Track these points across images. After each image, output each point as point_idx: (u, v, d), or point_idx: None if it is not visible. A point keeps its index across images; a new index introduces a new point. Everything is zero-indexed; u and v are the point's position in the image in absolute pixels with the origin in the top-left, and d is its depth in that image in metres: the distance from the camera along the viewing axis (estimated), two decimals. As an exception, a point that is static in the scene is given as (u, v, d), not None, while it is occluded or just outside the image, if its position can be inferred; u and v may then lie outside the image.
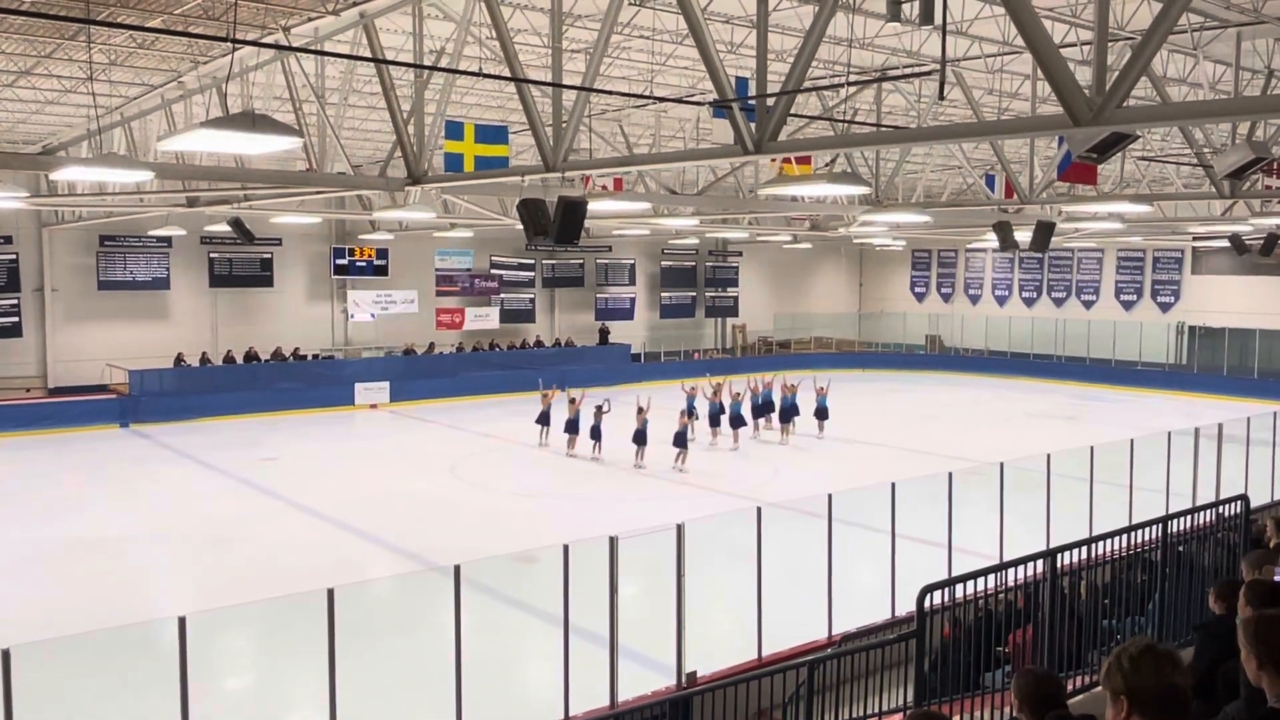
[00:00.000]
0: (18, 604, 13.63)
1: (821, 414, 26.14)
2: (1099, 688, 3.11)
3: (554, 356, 37.52)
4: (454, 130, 12.80)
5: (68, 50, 15.11)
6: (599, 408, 23.58)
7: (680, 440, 22.43)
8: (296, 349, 33.55)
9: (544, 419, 24.74)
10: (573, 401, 23.82)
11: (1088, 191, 19.00)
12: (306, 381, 31.74)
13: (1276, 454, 16.45)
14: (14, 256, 29.25)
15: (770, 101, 8.13)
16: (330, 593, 7.91)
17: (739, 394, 25.07)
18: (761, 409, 25.95)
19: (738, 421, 24.76)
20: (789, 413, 25.31)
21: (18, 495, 20.00)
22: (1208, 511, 9.30)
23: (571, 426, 23.56)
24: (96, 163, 12.96)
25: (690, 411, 24.21)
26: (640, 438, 22.40)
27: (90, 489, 20.68)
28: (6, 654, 6.50)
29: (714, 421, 24.87)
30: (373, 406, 31.89)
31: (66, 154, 20.97)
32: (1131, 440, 15.04)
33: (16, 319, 29.39)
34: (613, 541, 9.08)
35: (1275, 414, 17.52)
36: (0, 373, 29.10)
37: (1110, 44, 8.92)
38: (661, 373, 38.92)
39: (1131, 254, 39.60)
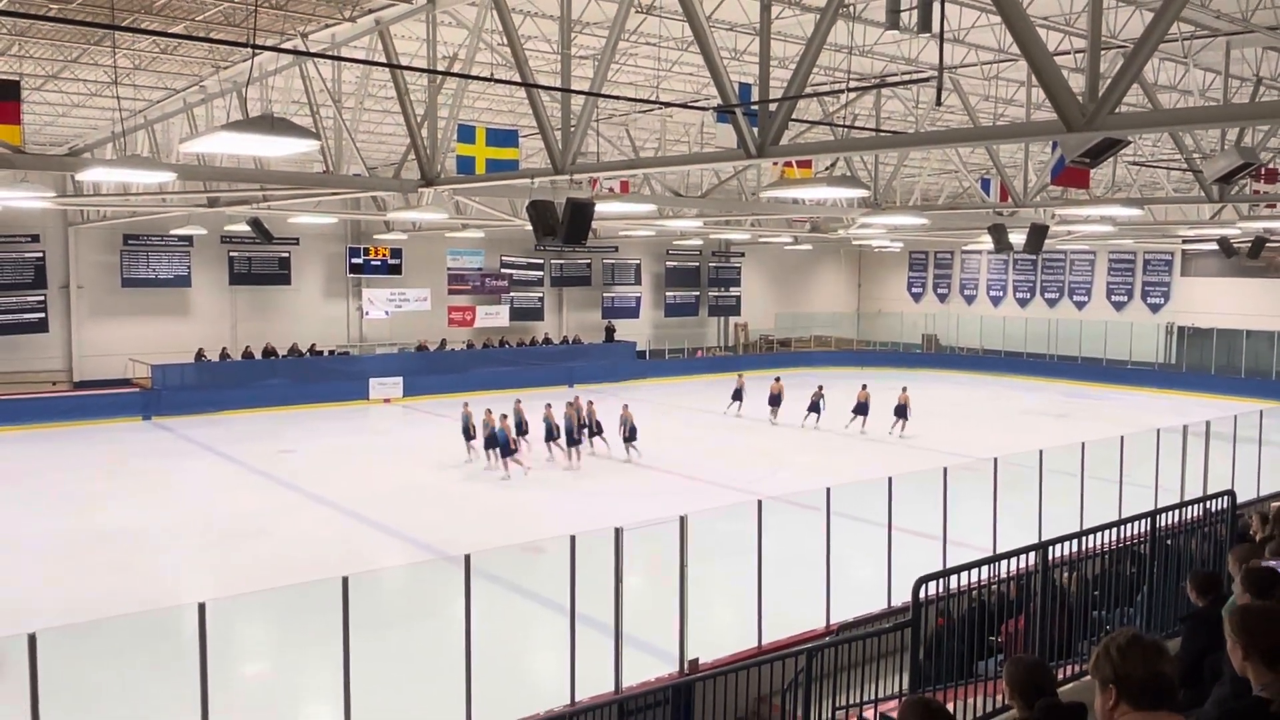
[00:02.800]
0: (42, 591, 13.69)
1: (862, 410, 26.81)
2: (1088, 676, 3.11)
3: (562, 354, 37.60)
4: (466, 134, 12.80)
5: (93, 55, 15.15)
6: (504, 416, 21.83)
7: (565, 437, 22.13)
8: (313, 345, 33.63)
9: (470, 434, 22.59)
10: (504, 417, 21.84)
11: (1080, 195, 18.96)
12: (322, 377, 31.81)
13: (1262, 450, 16.42)
14: (41, 254, 29.34)
15: (772, 107, 8.12)
16: (345, 581, 7.93)
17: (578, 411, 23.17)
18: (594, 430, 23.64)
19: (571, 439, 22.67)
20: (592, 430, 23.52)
21: (43, 486, 20.07)
22: (1195, 506, 9.29)
23: (490, 442, 21.58)
24: (121, 164, 12.97)
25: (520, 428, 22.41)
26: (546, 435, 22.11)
27: (113, 481, 20.73)
28: (33, 639, 6.53)
29: (550, 436, 22.61)
30: (386, 401, 31.95)
31: (92, 155, 21.02)
32: (1122, 437, 15.02)
33: (43, 315, 29.49)
34: (618, 533, 9.09)
35: (1261, 412, 17.49)
36: (27, 367, 29.20)
37: (1103, 52, 8.89)
38: (666, 370, 39.01)
39: (1123, 256, 39.51)
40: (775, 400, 28.31)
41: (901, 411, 26.24)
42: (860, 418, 26.66)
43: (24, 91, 12.91)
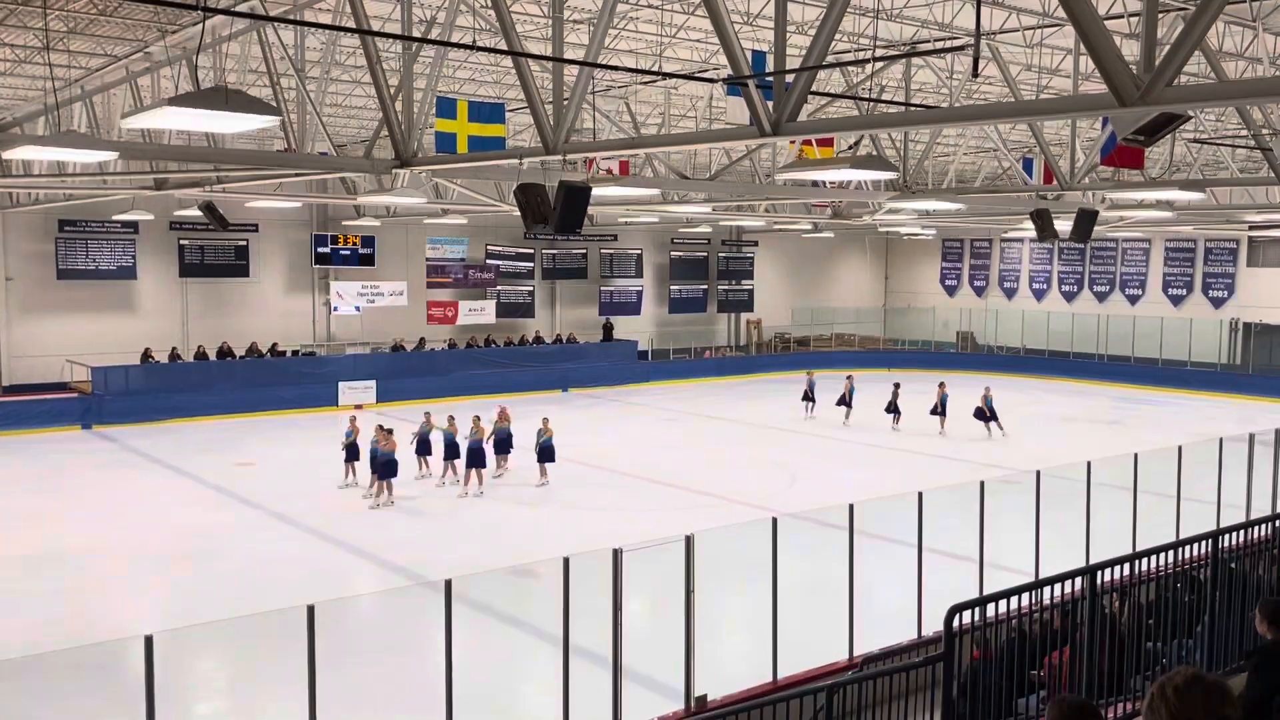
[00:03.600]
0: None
1: (894, 409, 28.56)
2: (1140, 717, 3.12)
3: (555, 354, 37.65)
4: (446, 108, 12.82)
5: (21, 16, 15.11)
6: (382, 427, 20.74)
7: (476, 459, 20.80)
8: (274, 344, 33.68)
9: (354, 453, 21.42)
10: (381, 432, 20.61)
11: (1134, 177, 18.98)
12: (285, 380, 31.82)
13: (1339, 463, 16.42)
14: (-33, 243, 29.39)
15: (790, 78, 8.13)
16: (310, 609, 7.94)
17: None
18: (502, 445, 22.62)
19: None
20: (504, 444, 22.44)
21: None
22: (1263, 526, 9.29)
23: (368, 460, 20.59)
24: (54, 141, 13.01)
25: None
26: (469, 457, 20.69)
27: (49, 498, 20.71)
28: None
29: (452, 454, 21.64)
30: (358, 407, 31.84)
31: (21, 131, 21.03)
32: (1180, 447, 15.01)
33: (-30, 311, 29.53)
34: (617, 554, 9.10)
35: (1338, 419, 17.50)
36: (-47, 369, 29.24)
37: (1160, 15, 8.88)
38: (670, 372, 39.05)
39: (1181, 245, 39.54)
40: (846, 400, 29.68)
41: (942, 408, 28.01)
42: (939, 418, 28.07)
43: (-50, 60, 12.93)
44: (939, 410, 28.06)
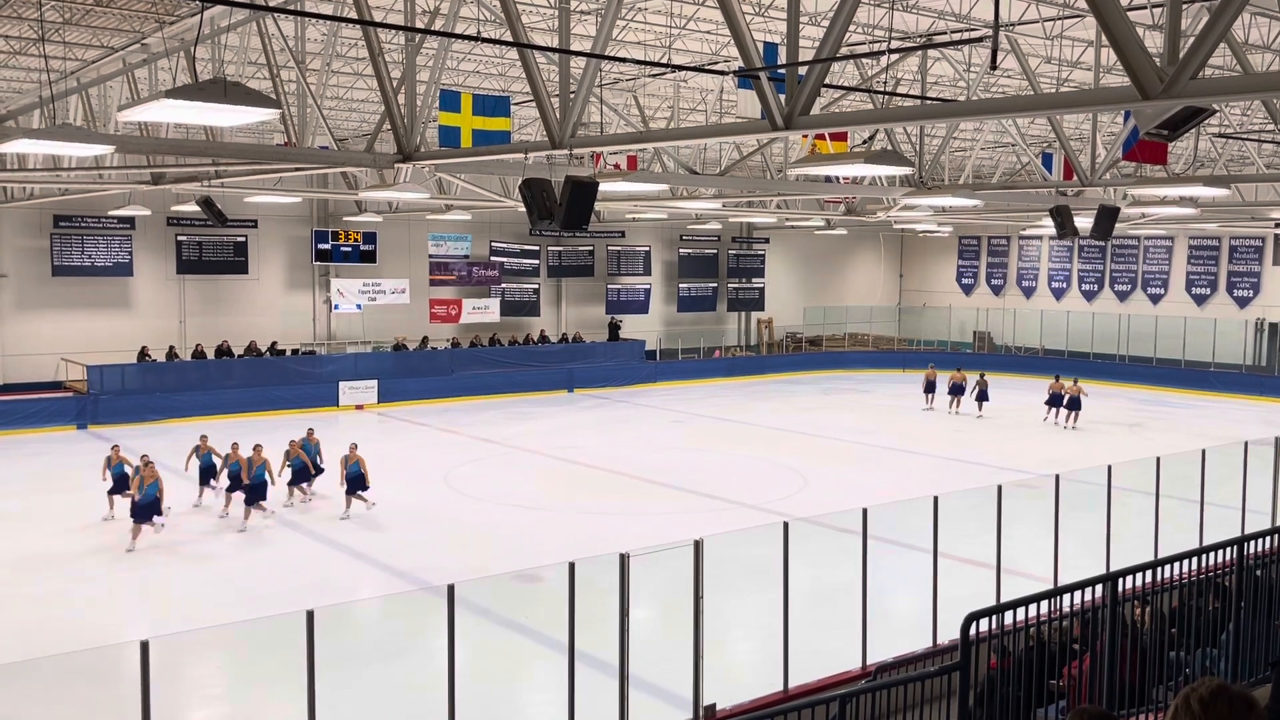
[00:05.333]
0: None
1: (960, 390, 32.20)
2: (1165, 728, 3.10)
3: (560, 354, 37.68)
4: (450, 101, 12.84)
5: (16, 7, 15.17)
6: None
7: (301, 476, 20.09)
8: (274, 343, 33.72)
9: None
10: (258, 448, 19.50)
11: (1156, 173, 18.92)
12: (285, 380, 31.88)
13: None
14: (-40, 239, 29.49)
15: (802, 70, 8.12)
16: (310, 615, 7.95)
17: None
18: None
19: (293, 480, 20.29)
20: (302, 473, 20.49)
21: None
22: (1289, 532, 9.26)
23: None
24: (49, 134, 13.02)
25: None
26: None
27: (43, 499, 20.79)
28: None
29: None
30: (359, 408, 32.02)
31: (16, 124, 21.08)
32: (1203, 451, 14.98)
33: (-37, 308, 29.64)
34: (623, 559, 9.10)
35: (1366, 423, 17.44)
36: (-54, 367, 29.34)
37: (1185, 6, 8.83)
38: (679, 372, 39.06)
39: (1205, 243, 39.42)
40: (957, 390, 32.28)
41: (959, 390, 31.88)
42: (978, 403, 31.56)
43: (-57, 52, 12.98)
44: (982, 396, 31.47)
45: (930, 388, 33.06)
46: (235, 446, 19.35)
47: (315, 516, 19.28)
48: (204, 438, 20.46)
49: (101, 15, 15.52)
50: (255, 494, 18.89)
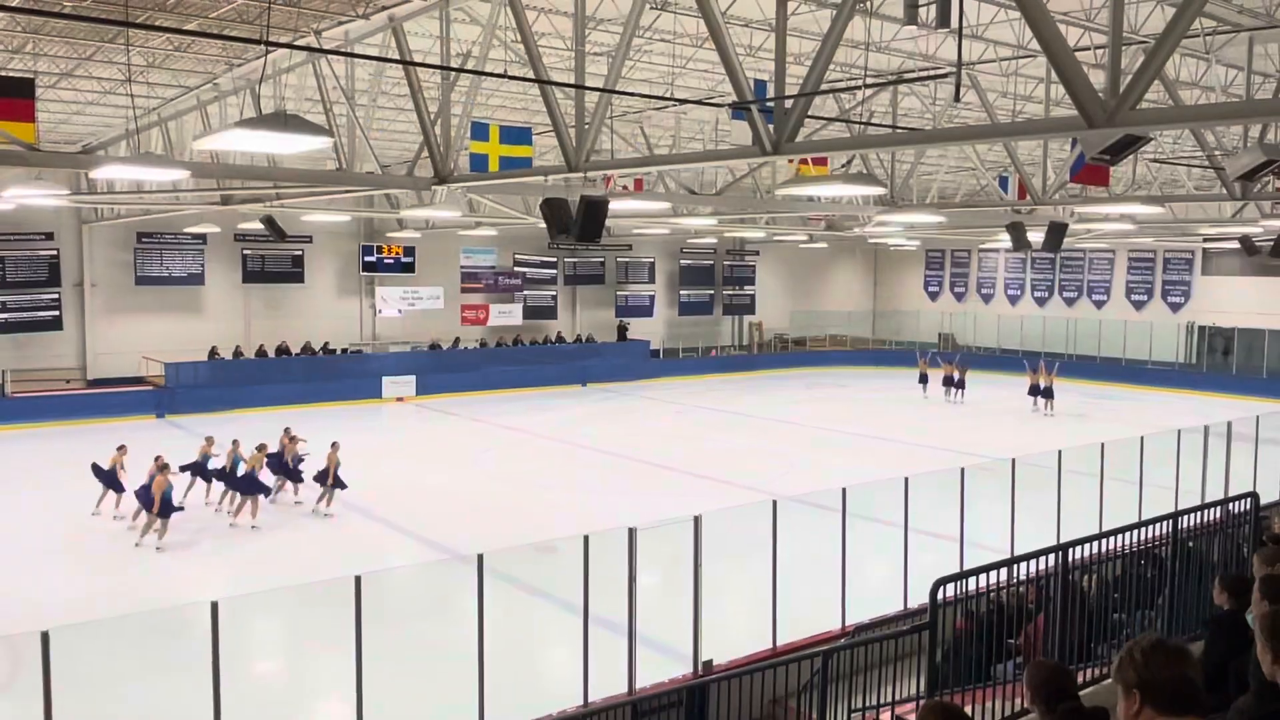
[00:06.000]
0: (56, 588, 13.78)
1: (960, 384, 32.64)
2: (1109, 680, 3.07)
3: (575, 352, 37.65)
4: (479, 131, 12.83)
5: (107, 53, 15.21)
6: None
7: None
8: (326, 343, 33.74)
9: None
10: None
11: (1100, 193, 18.83)
12: (335, 375, 31.92)
13: (1286, 452, 16.28)
14: (55, 252, 29.54)
15: (788, 104, 8.09)
16: (358, 580, 7.95)
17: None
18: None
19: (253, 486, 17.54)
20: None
21: (58, 483, 20.18)
22: (1217, 508, 9.21)
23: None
24: (134, 162, 13.05)
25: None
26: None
27: (126, 478, 20.80)
28: (45, 636, 6.56)
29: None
30: (399, 399, 32.02)
31: (106, 153, 21.14)
32: (1142, 438, 14.91)
33: (57, 313, 29.69)
34: (631, 533, 9.08)
35: (1285, 413, 17.34)
36: (41, 365, 29.37)
37: (1124, 48, 8.80)
38: (680, 369, 38.98)
39: (1142, 255, 39.24)
40: (951, 382, 32.86)
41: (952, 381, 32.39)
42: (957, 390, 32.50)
43: (38, 89, 13.00)
44: (959, 384, 32.41)
45: (924, 379, 33.66)
46: (236, 443, 17.54)
47: (354, 497, 19.23)
48: (209, 440, 18.39)
49: (180, 59, 15.55)
50: (250, 487, 16.90)
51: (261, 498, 17.39)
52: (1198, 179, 22.67)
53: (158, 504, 15.51)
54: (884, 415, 29.78)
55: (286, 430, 19.08)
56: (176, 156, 18.17)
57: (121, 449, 17.89)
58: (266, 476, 17.88)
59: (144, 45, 14.65)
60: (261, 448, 17.87)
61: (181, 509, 16.21)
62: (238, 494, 17.31)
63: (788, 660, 9.29)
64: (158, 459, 16.47)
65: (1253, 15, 12.18)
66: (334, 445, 18.13)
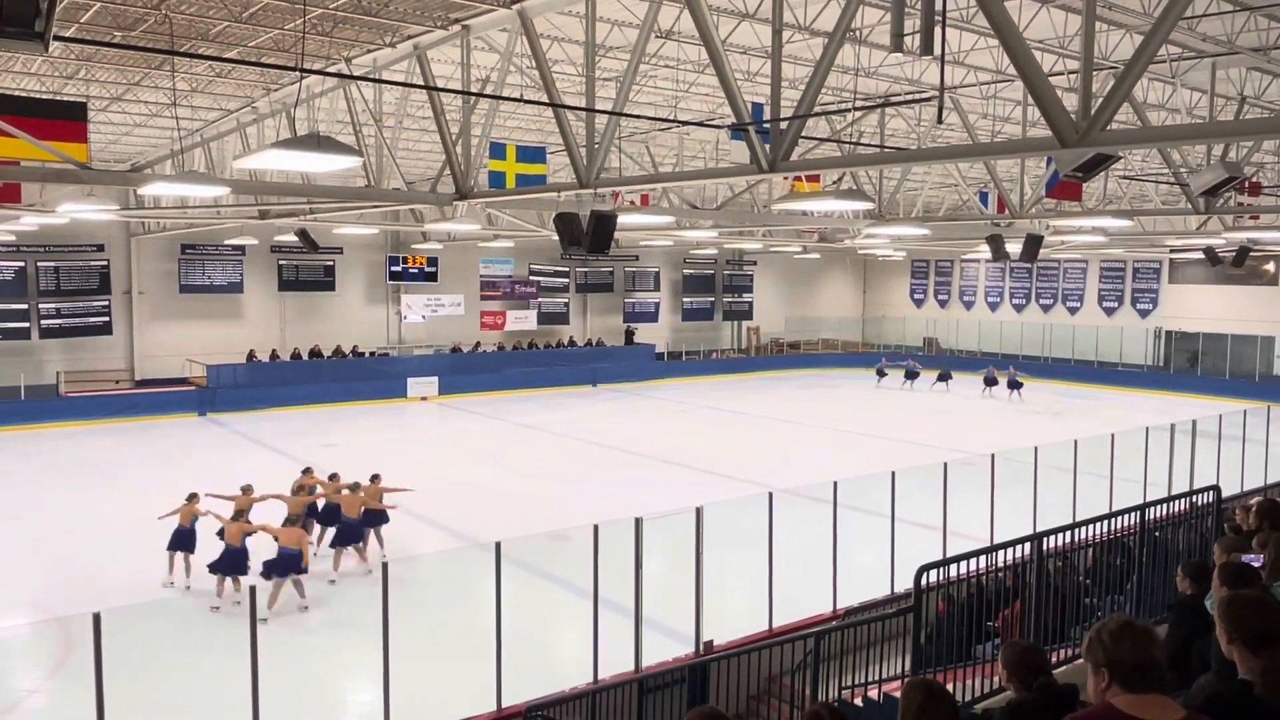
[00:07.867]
0: (108, 572, 13.82)
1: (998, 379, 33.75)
2: (1080, 660, 3.08)
3: (586, 355, 37.68)
4: (497, 151, 12.85)
5: (154, 79, 15.27)
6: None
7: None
8: (355, 347, 33.80)
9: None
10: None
11: (1073, 207, 18.80)
12: (364, 376, 31.97)
13: (1246, 448, 16.24)
14: (106, 263, 29.68)
15: (783, 125, 8.10)
16: (385, 566, 7.98)
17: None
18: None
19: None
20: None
21: (109, 476, 20.30)
22: (1182, 500, 9.20)
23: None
24: (179, 179, 13.11)
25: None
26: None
27: (171, 471, 20.86)
28: (98, 617, 6.59)
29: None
30: (423, 399, 32.07)
31: (153, 171, 21.18)
32: (1112, 435, 14.88)
33: (108, 318, 29.83)
34: (638, 522, 9.09)
35: (1245, 412, 17.30)
36: (93, 366, 29.52)
37: (1095, 73, 8.79)
38: (683, 370, 38.99)
39: (1113, 265, 39.13)
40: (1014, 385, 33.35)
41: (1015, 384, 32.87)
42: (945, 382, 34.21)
43: (91, 112, 13.06)
44: (947, 378, 34.24)
45: (991, 380, 34.26)
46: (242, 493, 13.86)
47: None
48: (193, 497, 13.46)
49: (221, 84, 15.61)
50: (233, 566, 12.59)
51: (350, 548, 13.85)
52: (1164, 194, 22.59)
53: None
54: (874, 414, 29.74)
55: (307, 470, 15.73)
56: (218, 174, 18.23)
57: (193, 498, 13.44)
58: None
59: (188, 72, 14.72)
60: (334, 477, 15.02)
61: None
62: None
63: (783, 641, 9.29)
64: (246, 489, 13.53)
65: (1215, 42, 12.16)
66: (374, 478, 14.84)
